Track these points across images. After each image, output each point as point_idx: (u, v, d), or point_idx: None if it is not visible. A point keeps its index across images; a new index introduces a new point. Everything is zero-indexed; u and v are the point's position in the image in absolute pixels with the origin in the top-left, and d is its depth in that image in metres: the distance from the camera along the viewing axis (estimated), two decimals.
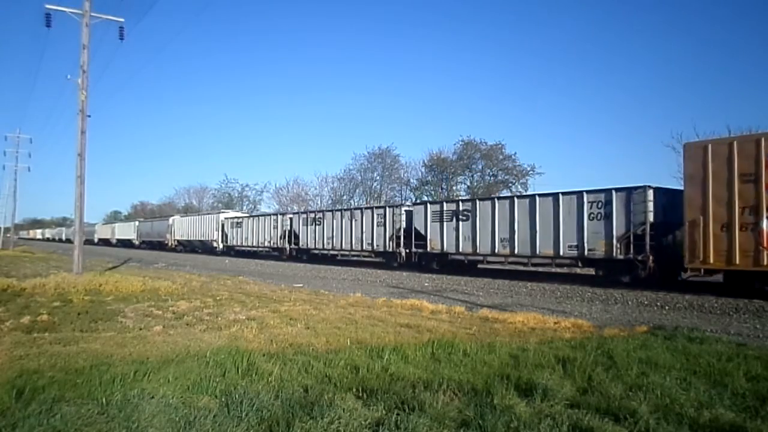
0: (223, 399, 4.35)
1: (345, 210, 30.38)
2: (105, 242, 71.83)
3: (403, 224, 24.78)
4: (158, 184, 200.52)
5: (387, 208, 26.54)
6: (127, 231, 64.99)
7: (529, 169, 42.70)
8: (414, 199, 43.59)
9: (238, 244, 39.74)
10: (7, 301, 10.78)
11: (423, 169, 48.78)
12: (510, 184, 43.38)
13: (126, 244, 63.55)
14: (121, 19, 17.70)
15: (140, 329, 7.94)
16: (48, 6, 16.70)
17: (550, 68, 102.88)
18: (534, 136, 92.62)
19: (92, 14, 16.80)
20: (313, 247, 31.35)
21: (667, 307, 11.90)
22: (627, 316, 10.56)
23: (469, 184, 46.34)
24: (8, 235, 59.87)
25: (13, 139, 48.02)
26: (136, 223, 63.82)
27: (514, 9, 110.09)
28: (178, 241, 50.04)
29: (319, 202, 55.58)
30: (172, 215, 57.13)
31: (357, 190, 53.44)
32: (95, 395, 4.35)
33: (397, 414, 4.01)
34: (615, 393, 4.59)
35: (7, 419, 3.87)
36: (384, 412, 4.10)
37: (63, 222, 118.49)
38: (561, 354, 6.05)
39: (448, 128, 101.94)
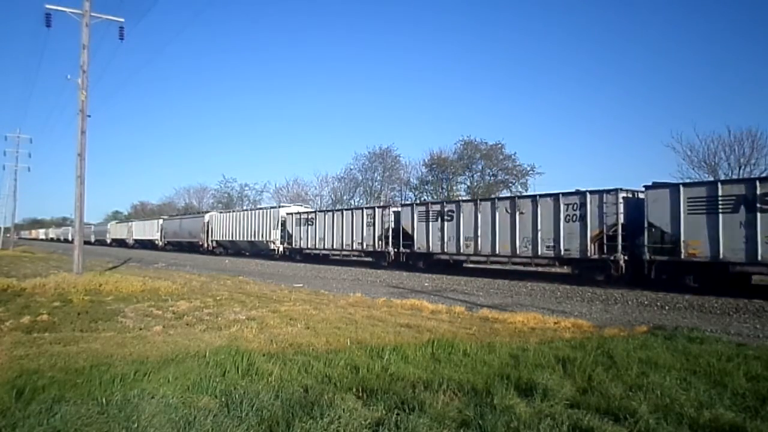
0: (223, 399, 4.35)
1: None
2: (120, 243, 63.60)
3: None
4: (158, 184, 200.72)
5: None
6: (148, 230, 56.92)
7: (529, 169, 42.73)
8: (414, 199, 43.60)
9: (310, 246, 31.45)
10: (7, 301, 10.78)
11: (423, 169, 48.83)
12: (510, 184, 43.40)
13: (146, 245, 55.77)
14: (121, 19, 17.72)
15: (140, 329, 7.94)
16: (48, 6, 16.70)
17: (550, 68, 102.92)
18: (534, 136, 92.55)
19: (92, 14, 16.80)
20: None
21: (667, 307, 11.91)
22: (627, 316, 10.56)
23: (469, 184, 46.36)
24: (8, 235, 59.83)
25: (13, 139, 48.00)
26: (160, 221, 55.00)
27: (514, 9, 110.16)
28: (216, 242, 43.27)
29: (319, 202, 55.60)
30: (208, 211, 50.84)
31: (357, 190, 53.46)
32: (95, 395, 4.34)
33: (397, 414, 4.01)
34: (615, 393, 4.59)
35: (7, 419, 3.87)
36: (384, 412, 4.10)
37: (63, 222, 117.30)
38: (561, 354, 6.05)
39: (448, 128, 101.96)
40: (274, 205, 42.27)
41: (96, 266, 22.28)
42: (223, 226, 42.22)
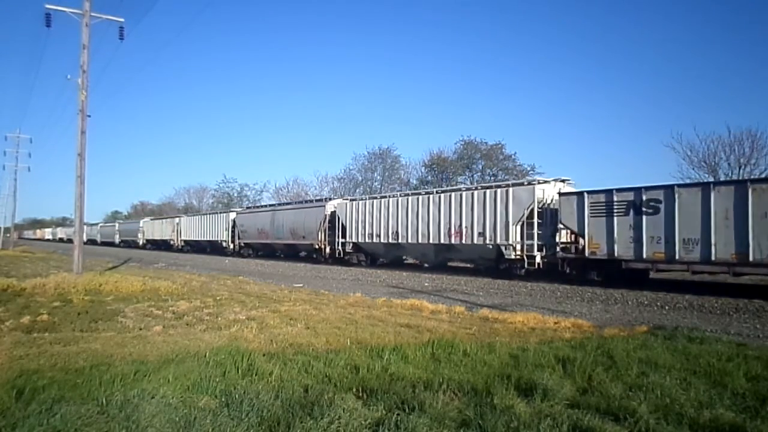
0: (223, 399, 4.35)
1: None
2: (160, 245, 52.10)
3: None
4: (158, 184, 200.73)
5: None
6: (213, 228, 42.72)
7: (529, 169, 42.69)
8: None
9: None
10: (7, 301, 10.78)
11: (423, 169, 48.80)
12: None
13: (201, 248, 45.41)
14: (121, 19, 17.71)
15: (140, 329, 7.94)
16: (48, 6, 16.69)
17: (551, 68, 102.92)
18: (534, 136, 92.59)
19: (92, 14, 16.79)
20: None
21: (667, 307, 11.91)
22: (627, 316, 10.56)
23: (469, 184, 46.31)
24: (8, 235, 59.79)
25: (13, 139, 48.01)
26: (232, 215, 40.76)
27: (514, 8, 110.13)
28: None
29: None
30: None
31: (357, 190, 53.40)
32: (95, 395, 4.34)
33: (397, 414, 4.01)
34: (615, 393, 4.59)
35: (7, 419, 3.87)
36: (384, 412, 4.10)
37: (63, 222, 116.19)
38: (561, 354, 6.05)
39: (448, 128, 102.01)
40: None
41: (96, 266, 22.28)
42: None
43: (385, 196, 26.58)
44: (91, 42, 16.71)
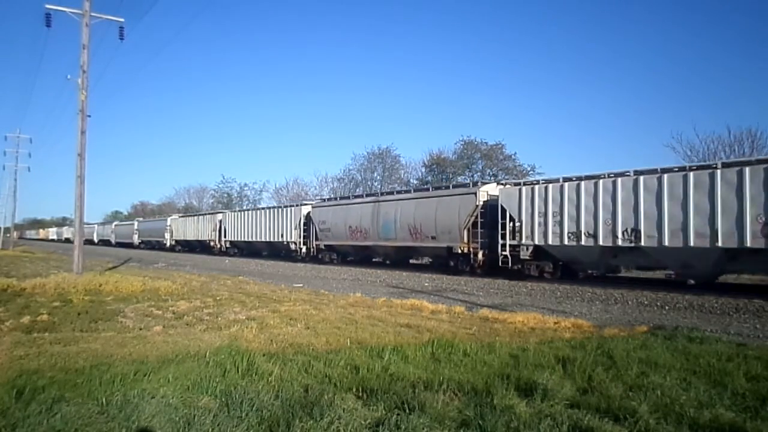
0: (223, 399, 4.35)
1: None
2: (193, 247, 46.49)
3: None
4: (158, 184, 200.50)
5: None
6: (278, 226, 32.74)
7: (529, 169, 42.68)
8: None
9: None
10: (7, 301, 10.77)
11: (423, 169, 48.79)
12: None
13: (253, 251, 37.41)
14: (121, 19, 17.71)
15: (140, 329, 7.94)
16: (48, 6, 16.69)
17: (551, 68, 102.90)
18: (534, 136, 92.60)
19: (92, 14, 16.79)
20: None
21: (667, 307, 11.90)
22: (627, 316, 10.56)
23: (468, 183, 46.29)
24: (8, 235, 59.77)
25: (13, 139, 48.01)
26: (307, 209, 31.17)
27: (514, 8, 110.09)
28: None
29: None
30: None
31: (357, 190, 53.41)
32: (95, 395, 4.34)
33: (397, 414, 4.01)
34: (615, 393, 4.59)
35: (7, 419, 3.87)
36: (384, 412, 4.10)
37: (63, 222, 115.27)
38: (561, 354, 6.05)
39: (448, 128, 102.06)
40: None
41: (96, 266, 22.28)
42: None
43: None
44: (91, 42, 16.73)
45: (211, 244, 42.27)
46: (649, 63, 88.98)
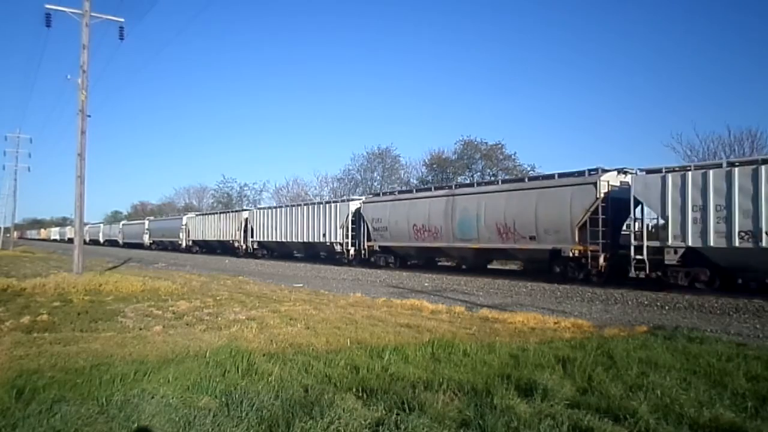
0: (223, 399, 4.35)
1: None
2: (213, 248, 42.69)
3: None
4: (158, 184, 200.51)
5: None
6: (321, 224, 28.52)
7: (529, 168, 42.65)
8: None
9: None
10: (7, 301, 10.77)
11: (423, 169, 48.78)
12: None
13: (283, 253, 33.64)
14: (121, 19, 17.71)
15: (140, 329, 7.94)
16: (48, 6, 16.69)
17: (550, 68, 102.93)
18: (534, 136, 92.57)
19: (92, 14, 16.79)
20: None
21: (667, 307, 11.90)
22: (627, 316, 10.56)
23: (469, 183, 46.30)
24: (8, 235, 59.77)
25: (13, 139, 47.88)
26: (355, 204, 27.13)
27: (514, 8, 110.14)
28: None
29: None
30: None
31: (357, 190, 53.40)
32: (95, 395, 4.35)
33: (397, 414, 4.01)
34: (615, 393, 4.59)
35: (7, 419, 3.87)
36: (384, 412, 4.10)
37: (63, 222, 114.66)
38: (561, 354, 6.05)
39: (448, 128, 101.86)
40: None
41: (96, 266, 22.28)
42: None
43: None
44: (91, 42, 16.72)
45: (236, 245, 37.77)
46: (649, 63, 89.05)
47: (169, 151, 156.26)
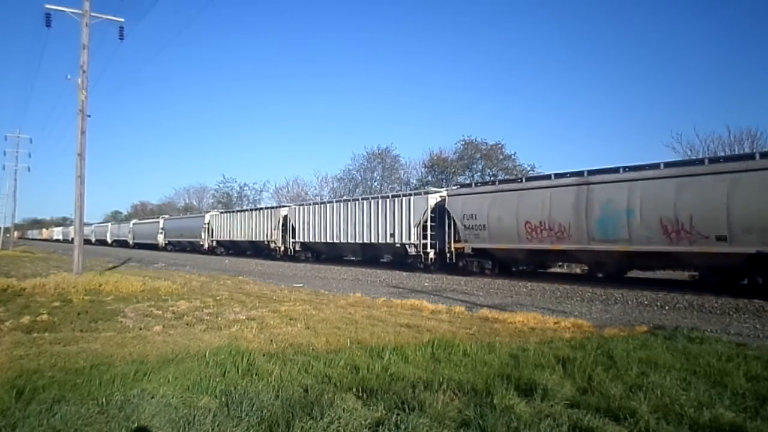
0: (223, 399, 4.35)
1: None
2: (250, 250, 37.47)
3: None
4: (158, 184, 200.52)
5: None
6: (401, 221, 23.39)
7: (529, 168, 42.65)
8: None
9: None
10: (7, 301, 10.77)
11: (423, 169, 48.80)
12: None
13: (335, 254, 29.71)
14: (121, 19, 17.73)
15: (140, 329, 7.94)
16: (48, 6, 16.71)
17: (550, 68, 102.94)
18: (534, 136, 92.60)
19: (92, 14, 16.80)
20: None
21: (667, 307, 11.90)
22: (627, 316, 10.56)
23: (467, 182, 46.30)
24: (8, 235, 59.73)
25: (13, 139, 48.00)
26: (435, 198, 22.63)
27: (514, 8, 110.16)
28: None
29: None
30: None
31: (357, 190, 53.39)
32: (95, 395, 4.35)
33: (397, 414, 4.01)
34: (615, 393, 4.58)
35: (7, 419, 3.87)
36: (384, 412, 4.10)
37: (63, 221, 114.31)
38: (561, 354, 6.05)
39: (448, 128, 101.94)
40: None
41: (96, 266, 22.28)
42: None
43: None
44: (91, 42, 16.74)
45: (272, 246, 33.04)
46: (649, 63, 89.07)
47: (169, 151, 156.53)
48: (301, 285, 16.81)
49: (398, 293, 14.26)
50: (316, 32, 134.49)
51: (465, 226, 20.05)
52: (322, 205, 29.40)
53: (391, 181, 50.74)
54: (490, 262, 19.92)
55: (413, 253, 22.73)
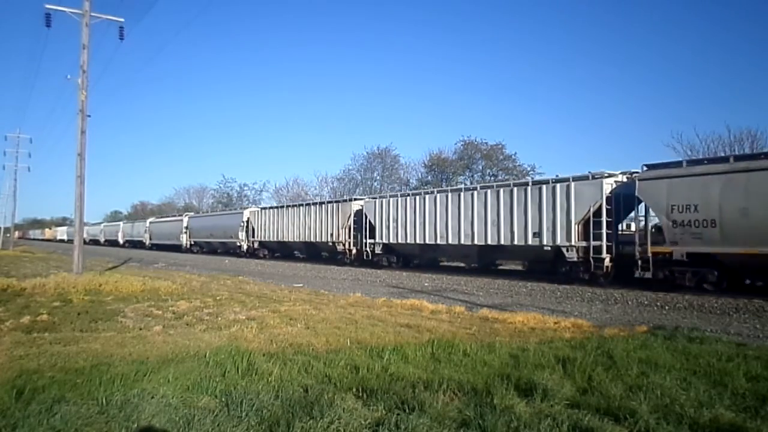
0: (223, 399, 4.35)
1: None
2: (304, 252, 33.08)
3: None
4: (158, 184, 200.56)
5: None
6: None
7: (529, 169, 42.68)
8: None
9: None
10: (7, 301, 10.77)
11: (423, 169, 48.78)
12: None
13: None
14: (121, 19, 17.72)
15: (140, 329, 7.94)
16: (48, 6, 16.70)
17: (550, 68, 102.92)
18: (534, 136, 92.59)
19: (92, 14, 16.79)
20: None
21: (667, 307, 11.90)
22: (627, 316, 10.55)
23: (469, 184, 46.32)
24: (8, 235, 59.72)
25: (13, 139, 47.94)
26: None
27: (514, 9, 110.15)
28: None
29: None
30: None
31: (357, 190, 53.40)
32: (95, 395, 4.35)
33: (397, 414, 4.01)
34: (615, 393, 4.58)
35: (7, 419, 3.87)
36: (384, 412, 4.10)
37: (63, 222, 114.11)
38: (561, 354, 6.04)
39: (448, 128, 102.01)
40: None
41: (96, 266, 22.27)
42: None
43: None
44: (91, 42, 16.73)
45: (339, 247, 27.46)
46: (649, 63, 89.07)
47: (169, 151, 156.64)
48: (301, 285, 16.81)
49: (398, 293, 14.25)
50: (315, 32, 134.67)
51: (674, 222, 14.08)
52: (416, 197, 22.86)
53: (391, 181, 50.75)
54: (715, 271, 13.78)
55: (573, 259, 16.44)
